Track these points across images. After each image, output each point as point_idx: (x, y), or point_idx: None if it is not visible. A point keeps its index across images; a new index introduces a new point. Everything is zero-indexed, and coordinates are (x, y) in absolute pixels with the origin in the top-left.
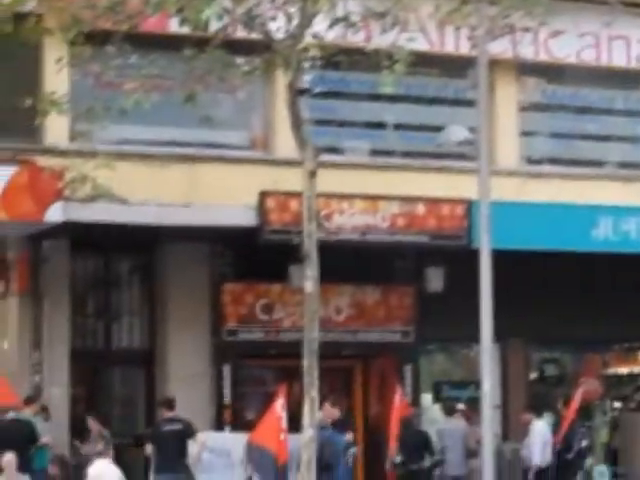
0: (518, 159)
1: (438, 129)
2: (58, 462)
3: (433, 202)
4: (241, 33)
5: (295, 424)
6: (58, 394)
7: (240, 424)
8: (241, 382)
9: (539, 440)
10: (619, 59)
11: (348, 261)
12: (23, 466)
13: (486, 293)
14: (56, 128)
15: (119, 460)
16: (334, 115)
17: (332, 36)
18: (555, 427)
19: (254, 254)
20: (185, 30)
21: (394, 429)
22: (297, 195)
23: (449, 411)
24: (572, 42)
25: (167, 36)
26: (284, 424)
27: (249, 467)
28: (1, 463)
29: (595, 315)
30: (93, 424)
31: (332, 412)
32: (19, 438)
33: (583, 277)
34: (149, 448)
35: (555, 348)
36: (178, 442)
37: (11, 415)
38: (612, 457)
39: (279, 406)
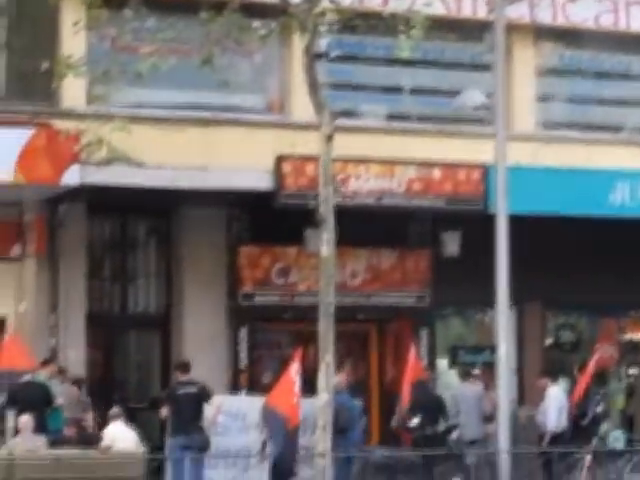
0: (535, 124)
1: (455, 93)
2: (74, 424)
3: (449, 167)
4: None
5: (311, 388)
6: (74, 357)
7: (256, 387)
8: (257, 345)
9: (555, 405)
10: (637, 24)
11: (364, 225)
12: (39, 427)
13: (502, 258)
14: (73, 91)
15: (135, 423)
16: (351, 79)
17: (349, 0)
18: (570, 393)
19: (270, 218)
20: None
21: (406, 389)
22: (313, 159)
23: (464, 375)
24: (590, 6)
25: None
26: (297, 388)
27: (265, 431)
28: (17, 425)
29: (612, 281)
30: (72, 390)
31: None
32: (35, 400)
33: (600, 242)
34: (164, 411)
35: (571, 313)
36: (193, 405)
37: (27, 377)
38: (627, 423)
39: (293, 370)
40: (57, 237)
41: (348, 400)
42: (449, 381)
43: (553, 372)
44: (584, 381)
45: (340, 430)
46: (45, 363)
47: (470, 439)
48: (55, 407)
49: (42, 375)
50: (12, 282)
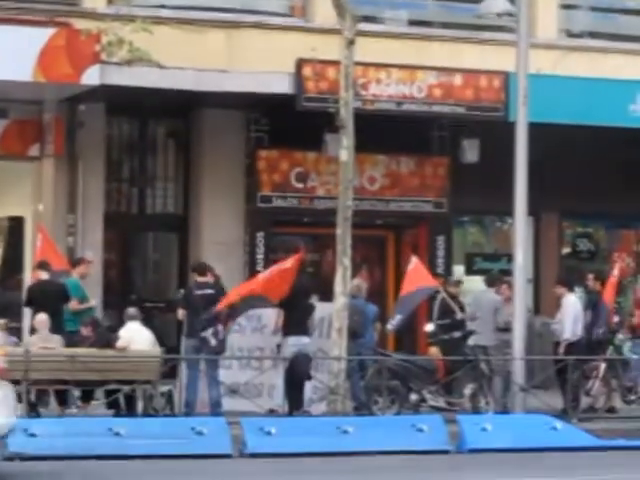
0: (557, 32)
1: (478, 0)
2: (91, 324)
3: (470, 73)
4: None
5: (329, 292)
6: (92, 257)
7: None
8: (274, 249)
9: (571, 314)
10: None
11: (383, 131)
12: (55, 327)
13: (521, 166)
14: None
15: (151, 324)
16: None
17: None
18: (588, 303)
19: (290, 122)
20: None
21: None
22: (334, 63)
23: (490, 282)
24: None
25: None
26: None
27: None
28: (34, 324)
29: (630, 191)
30: None
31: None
32: (52, 299)
33: (619, 152)
34: (181, 312)
35: (589, 223)
36: (210, 307)
37: (44, 276)
38: None
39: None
40: (76, 137)
41: (363, 304)
42: (465, 288)
43: (569, 281)
44: (610, 293)
45: (352, 334)
46: (76, 264)
47: (482, 345)
48: (87, 307)
49: (74, 276)
50: (30, 182)
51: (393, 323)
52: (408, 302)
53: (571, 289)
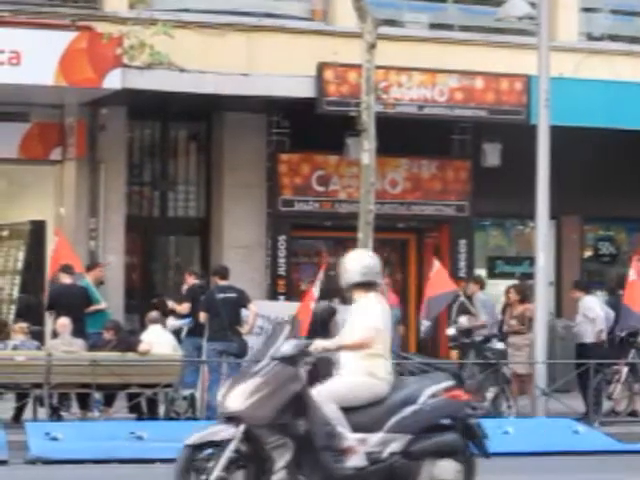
0: (578, 35)
1: (499, 3)
2: (113, 327)
3: (492, 76)
4: None
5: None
6: (113, 261)
7: (294, 294)
8: (296, 253)
9: (592, 317)
10: None
11: (405, 134)
12: (77, 331)
13: (543, 169)
14: None
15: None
16: None
17: None
18: (610, 305)
19: (311, 125)
20: None
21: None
22: (356, 67)
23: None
24: None
25: None
26: (315, 293)
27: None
28: (56, 327)
29: None
30: None
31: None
32: (74, 303)
33: None
34: (203, 316)
35: (610, 226)
36: (232, 310)
37: (67, 281)
38: None
39: (317, 279)
40: (98, 141)
41: None
42: (487, 291)
43: (586, 284)
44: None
45: None
46: (90, 268)
47: None
48: (101, 309)
49: (87, 279)
50: (52, 185)
51: (423, 330)
52: (433, 308)
53: (587, 292)
